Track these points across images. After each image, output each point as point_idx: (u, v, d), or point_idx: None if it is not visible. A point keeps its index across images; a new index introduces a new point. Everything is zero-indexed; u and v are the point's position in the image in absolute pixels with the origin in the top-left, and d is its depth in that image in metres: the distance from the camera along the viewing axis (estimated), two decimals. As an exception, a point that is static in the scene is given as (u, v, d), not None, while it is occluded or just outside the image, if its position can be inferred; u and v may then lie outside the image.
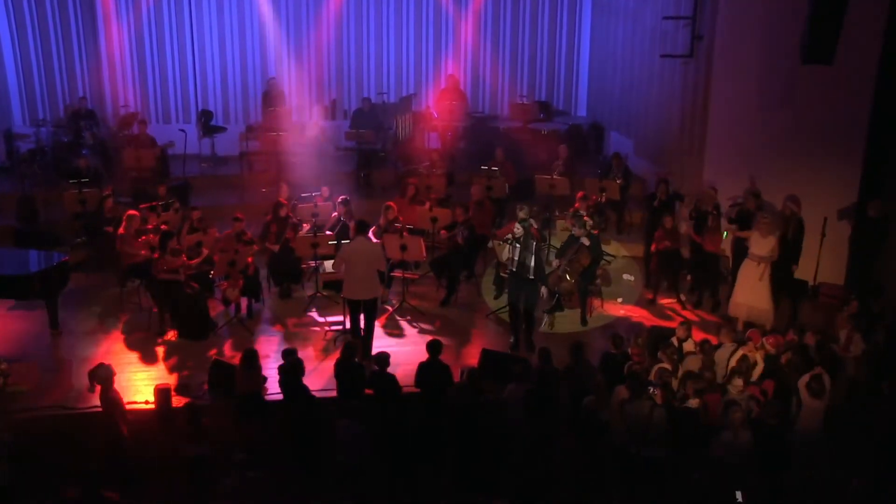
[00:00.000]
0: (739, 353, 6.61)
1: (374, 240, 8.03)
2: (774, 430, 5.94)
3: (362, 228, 7.38)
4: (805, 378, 6.22)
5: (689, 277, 8.91)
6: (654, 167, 10.48)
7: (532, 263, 7.26)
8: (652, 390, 6.11)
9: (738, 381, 6.44)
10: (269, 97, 11.60)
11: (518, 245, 7.24)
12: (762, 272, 7.82)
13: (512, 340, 7.62)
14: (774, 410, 6.00)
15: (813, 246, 8.50)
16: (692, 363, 6.63)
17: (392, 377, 6.51)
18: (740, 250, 8.21)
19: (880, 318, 7.52)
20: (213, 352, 7.45)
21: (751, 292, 7.87)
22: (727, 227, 8.38)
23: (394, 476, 6.02)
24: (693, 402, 6.12)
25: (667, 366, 6.52)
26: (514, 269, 7.34)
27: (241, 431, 6.22)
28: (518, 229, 7.27)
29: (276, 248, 8.55)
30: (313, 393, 6.39)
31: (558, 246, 8.32)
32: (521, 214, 7.48)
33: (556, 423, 6.16)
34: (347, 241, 7.92)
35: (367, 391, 6.51)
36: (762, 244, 7.85)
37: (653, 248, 8.67)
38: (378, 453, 6.01)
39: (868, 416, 6.39)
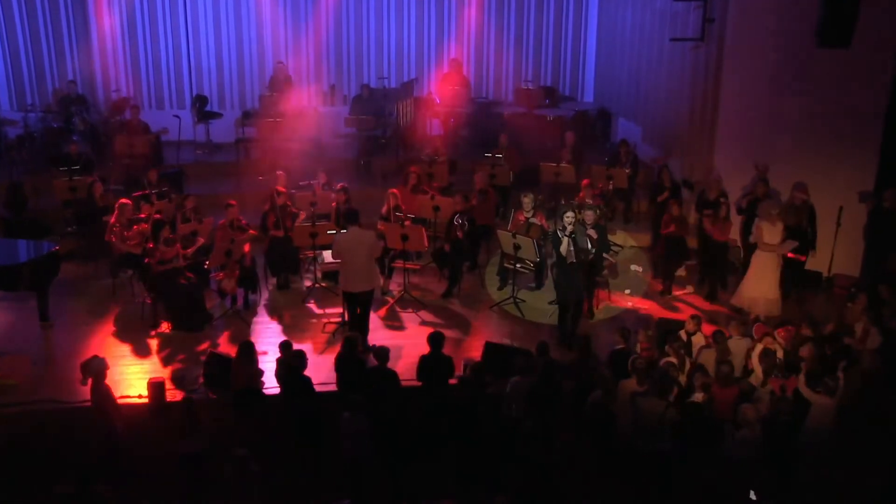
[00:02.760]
0: (759, 347, 6.40)
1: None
2: (784, 429, 5.76)
3: (353, 218, 7.13)
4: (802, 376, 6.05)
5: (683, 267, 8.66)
6: (664, 154, 10.26)
7: (587, 245, 7.12)
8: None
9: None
10: (276, 81, 11.37)
11: (573, 236, 7.08)
12: (776, 262, 7.62)
13: (559, 335, 7.38)
14: (787, 407, 5.82)
15: (828, 236, 8.37)
16: (707, 356, 6.44)
17: (392, 372, 6.35)
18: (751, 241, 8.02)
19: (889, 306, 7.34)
20: (208, 344, 7.32)
21: (762, 283, 7.67)
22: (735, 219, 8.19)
23: (394, 471, 5.90)
24: (698, 397, 5.95)
25: (673, 360, 6.34)
26: (575, 260, 7.11)
27: (238, 426, 6.08)
28: (569, 218, 7.13)
29: (280, 233, 8.32)
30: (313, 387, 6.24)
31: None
32: (530, 198, 7.16)
33: (560, 417, 6.03)
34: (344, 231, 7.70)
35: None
36: (773, 232, 7.67)
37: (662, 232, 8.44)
38: (379, 448, 5.89)
39: (884, 410, 6.21)
